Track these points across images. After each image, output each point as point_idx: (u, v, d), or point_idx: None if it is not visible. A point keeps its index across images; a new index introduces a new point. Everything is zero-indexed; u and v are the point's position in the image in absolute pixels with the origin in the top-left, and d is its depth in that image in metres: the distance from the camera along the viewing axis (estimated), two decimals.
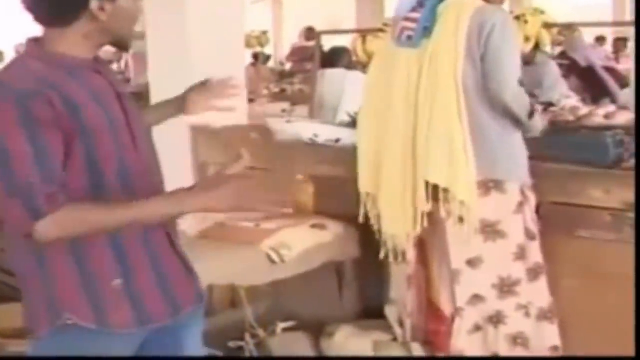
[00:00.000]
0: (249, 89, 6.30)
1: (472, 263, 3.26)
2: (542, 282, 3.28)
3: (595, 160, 3.32)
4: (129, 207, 1.92)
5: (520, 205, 3.22)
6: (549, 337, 3.31)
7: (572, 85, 5.50)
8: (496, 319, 3.29)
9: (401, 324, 3.57)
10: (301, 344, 3.74)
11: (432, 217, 3.24)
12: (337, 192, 3.85)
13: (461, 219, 3.16)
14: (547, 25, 5.37)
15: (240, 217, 3.64)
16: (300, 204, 3.99)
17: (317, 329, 3.78)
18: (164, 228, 2.09)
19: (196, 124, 4.25)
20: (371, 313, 3.83)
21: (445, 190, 3.15)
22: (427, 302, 3.48)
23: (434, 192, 3.18)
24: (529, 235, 3.24)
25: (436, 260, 3.41)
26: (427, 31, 3.22)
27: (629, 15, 13.19)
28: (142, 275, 2.05)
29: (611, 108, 4.32)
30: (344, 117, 4.75)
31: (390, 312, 3.62)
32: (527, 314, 3.28)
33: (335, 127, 4.40)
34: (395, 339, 3.61)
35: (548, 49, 5.94)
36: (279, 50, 18.65)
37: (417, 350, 3.51)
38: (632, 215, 3.14)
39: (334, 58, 6.52)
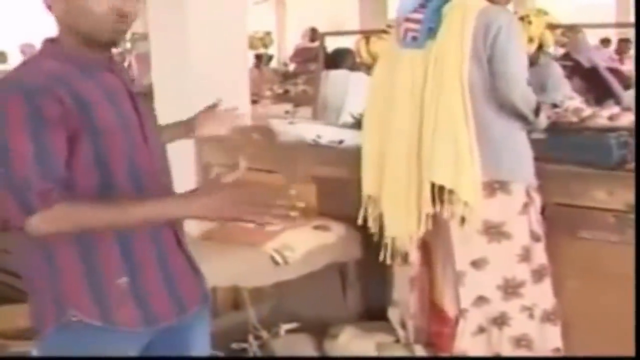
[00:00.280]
0: (252, 90, 6.29)
1: (476, 264, 3.25)
2: (547, 284, 3.28)
3: (599, 162, 3.31)
4: (123, 208, 1.92)
5: (526, 207, 3.21)
6: (551, 338, 3.31)
7: (575, 86, 5.49)
8: (500, 321, 3.28)
9: (404, 325, 3.57)
10: (304, 346, 3.74)
11: (436, 219, 3.24)
12: (340, 193, 3.85)
13: (464, 220, 3.15)
14: (551, 26, 5.36)
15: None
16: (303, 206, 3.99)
17: (321, 331, 3.78)
18: (172, 227, 2.09)
19: None
20: (374, 314, 3.83)
21: (451, 192, 3.14)
22: (430, 304, 3.47)
23: (439, 193, 3.18)
24: (534, 237, 3.24)
25: (440, 262, 3.40)
26: (431, 32, 3.22)
27: (633, 16, 13.18)
28: (149, 274, 2.05)
29: (615, 109, 4.31)
30: (347, 118, 4.75)
31: (393, 313, 3.61)
32: (531, 316, 3.27)
33: (339, 128, 4.40)
34: (398, 341, 3.60)
35: (551, 49, 5.93)
36: (282, 51, 18.65)
37: (420, 352, 3.51)
38: (634, 216, 3.14)
39: (338, 59, 6.52)
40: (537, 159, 3.29)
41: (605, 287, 3.21)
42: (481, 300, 3.29)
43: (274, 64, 14.59)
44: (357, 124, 4.27)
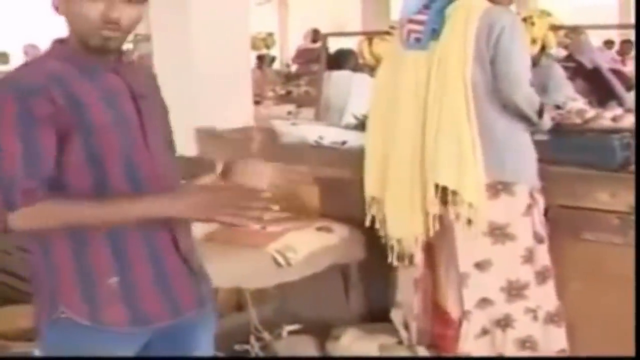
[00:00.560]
0: (254, 91, 6.29)
1: (480, 266, 3.25)
2: (550, 286, 3.27)
3: (602, 163, 3.31)
4: (105, 206, 1.94)
5: (529, 208, 3.21)
6: (555, 340, 3.31)
7: (578, 87, 5.48)
8: (504, 323, 3.27)
9: (407, 327, 3.56)
10: (307, 347, 3.74)
11: (440, 220, 3.23)
12: (343, 194, 3.84)
13: (469, 222, 3.15)
14: (554, 28, 5.36)
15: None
16: (305, 207, 3.99)
17: (323, 332, 3.77)
18: (168, 229, 2.07)
19: (202, 127, 4.25)
20: (377, 316, 3.82)
21: (454, 193, 3.14)
22: (434, 306, 3.47)
23: (443, 194, 3.17)
24: (537, 238, 3.23)
25: (443, 264, 3.39)
26: (435, 33, 3.21)
27: (634, 17, 13.18)
28: (140, 274, 2.04)
29: (618, 111, 4.30)
30: (350, 120, 4.74)
31: (396, 315, 3.61)
32: (535, 318, 3.27)
33: (341, 129, 4.39)
34: (400, 342, 3.60)
35: (554, 51, 5.93)
36: (285, 52, 18.65)
37: (423, 353, 3.50)
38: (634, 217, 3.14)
39: (340, 60, 6.52)
40: (540, 160, 3.29)
41: (608, 288, 3.21)
42: (485, 302, 3.28)
43: (276, 65, 14.59)
44: (360, 125, 4.26)
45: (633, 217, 3.15)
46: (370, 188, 3.44)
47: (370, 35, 6.76)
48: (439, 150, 3.15)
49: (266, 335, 3.73)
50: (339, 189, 3.88)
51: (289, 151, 4.18)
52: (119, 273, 2.01)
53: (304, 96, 9.01)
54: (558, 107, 4.30)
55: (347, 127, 4.48)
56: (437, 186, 3.17)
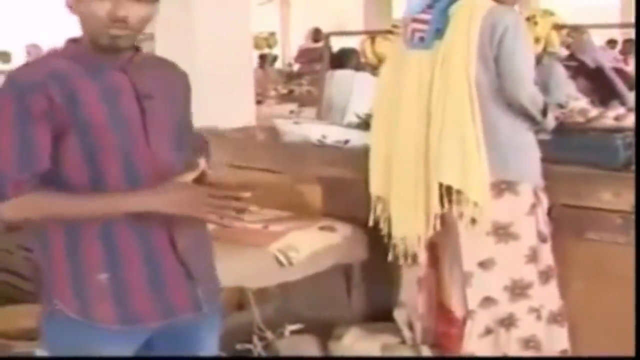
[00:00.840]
0: (257, 90, 6.29)
1: (484, 265, 3.24)
2: (553, 285, 3.27)
3: (605, 163, 3.31)
4: (85, 199, 1.99)
5: (533, 207, 3.20)
6: (558, 340, 3.30)
7: (580, 86, 5.47)
8: (508, 322, 3.27)
9: (410, 326, 3.56)
10: (309, 346, 3.73)
11: (444, 219, 3.22)
12: (345, 194, 3.84)
13: (473, 221, 3.14)
14: (557, 27, 5.35)
15: (248, 219, 3.63)
16: (308, 206, 3.99)
17: (325, 332, 3.77)
18: (165, 229, 2.07)
19: (204, 126, 4.24)
20: (379, 315, 3.81)
21: (458, 192, 3.13)
22: (438, 305, 3.46)
23: (447, 193, 3.16)
24: (541, 238, 3.23)
25: (447, 263, 3.39)
26: (439, 32, 3.21)
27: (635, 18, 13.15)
28: (132, 273, 2.05)
29: (621, 110, 4.30)
30: (352, 119, 4.74)
31: (400, 314, 3.60)
32: (539, 317, 3.26)
33: (344, 128, 4.39)
34: (403, 342, 3.59)
35: (557, 49, 5.92)
36: (287, 51, 18.65)
37: (426, 353, 3.50)
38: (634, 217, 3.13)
39: (342, 59, 6.52)
40: (543, 159, 3.28)
41: (611, 288, 3.21)
42: (488, 301, 3.28)
43: (278, 64, 14.60)
44: (362, 124, 4.27)
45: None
46: (375, 187, 3.44)
47: (372, 35, 6.76)
48: (443, 149, 3.14)
49: (268, 334, 3.72)
50: (341, 188, 3.88)
51: (292, 150, 4.19)
52: (110, 270, 2.03)
53: (306, 95, 9.01)
54: (561, 106, 4.29)
55: (350, 126, 4.48)
56: (441, 185, 3.16)
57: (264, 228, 3.65)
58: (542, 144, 3.30)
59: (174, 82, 2.22)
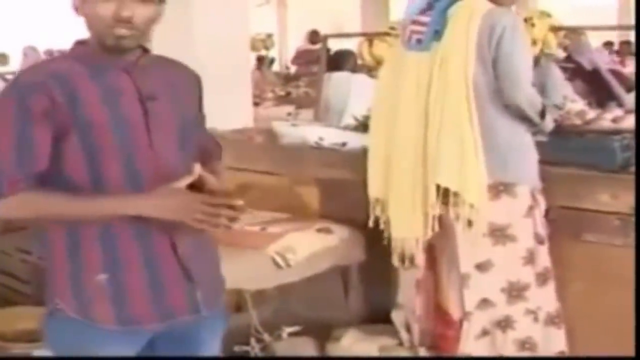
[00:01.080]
0: (254, 92, 6.28)
1: (481, 267, 3.24)
2: (550, 287, 3.27)
3: (603, 164, 3.31)
4: (79, 200, 2.00)
5: (531, 209, 3.20)
6: (555, 342, 3.30)
7: (577, 88, 5.46)
8: (504, 324, 3.27)
9: (408, 328, 3.55)
10: (307, 348, 3.73)
11: (442, 221, 3.22)
12: (343, 195, 3.84)
13: (470, 223, 3.14)
14: (554, 29, 5.35)
15: (246, 221, 3.63)
16: (305, 208, 3.99)
17: (323, 333, 3.77)
18: (166, 232, 2.07)
19: None
20: (377, 317, 3.82)
21: (456, 194, 3.13)
22: (435, 307, 3.46)
23: (444, 195, 3.16)
24: (538, 240, 3.23)
25: (445, 265, 3.39)
26: (437, 34, 3.21)
27: (634, 18, 13.16)
28: (132, 275, 2.06)
29: (618, 112, 4.30)
30: (349, 121, 4.74)
31: (397, 316, 3.60)
32: (536, 319, 3.26)
33: (341, 130, 4.39)
34: (401, 344, 3.59)
35: (554, 51, 5.92)
36: (284, 53, 18.64)
37: (423, 355, 3.50)
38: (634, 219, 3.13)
39: (340, 61, 6.51)
40: (540, 161, 3.28)
41: (609, 289, 3.21)
42: (485, 303, 3.28)
43: (275, 66, 14.58)
44: (360, 126, 4.27)
45: (634, 219, 3.14)
46: (374, 189, 3.43)
47: (370, 37, 6.75)
48: (441, 151, 3.14)
49: (266, 336, 3.72)
50: (339, 190, 3.88)
51: (289, 152, 4.19)
52: (110, 272, 2.04)
53: (304, 97, 9.00)
54: (557, 107, 4.30)
55: (347, 128, 4.48)
56: (438, 187, 3.16)
57: (262, 230, 3.65)
58: (539, 145, 3.31)
59: (181, 83, 2.21)
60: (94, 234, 2.03)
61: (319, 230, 3.71)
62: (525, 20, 5.01)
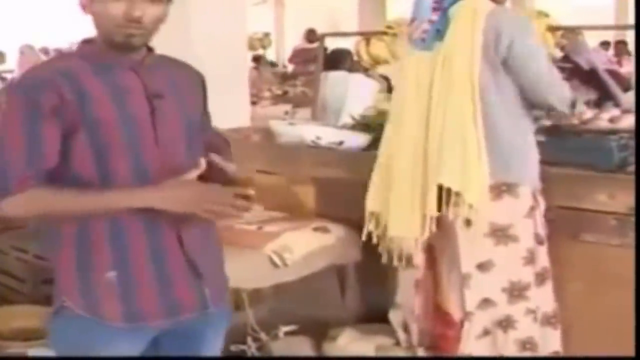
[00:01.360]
0: (251, 91, 6.28)
1: (482, 267, 3.23)
2: (548, 287, 3.26)
3: (600, 164, 3.31)
4: (89, 195, 2.01)
5: (532, 210, 3.19)
6: (551, 342, 3.30)
7: (574, 88, 5.46)
8: (506, 323, 3.26)
9: (406, 328, 3.55)
10: (303, 348, 3.73)
11: (442, 222, 3.21)
12: (339, 194, 3.84)
13: (468, 222, 3.13)
14: (551, 28, 5.35)
15: (242, 220, 3.63)
16: (301, 207, 3.98)
17: (319, 333, 3.77)
18: (174, 229, 2.08)
19: None
20: (373, 317, 3.81)
21: (457, 194, 3.11)
22: (434, 307, 3.45)
23: (446, 195, 3.13)
24: (538, 240, 3.22)
25: (445, 265, 3.37)
26: (439, 34, 3.19)
27: (632, 17, 13.16)
28: (140, 271, 2.07)
29: (615, 112, 4.30)
30: (346, 120, 4.74)
31: (395, 316, 3.59)
32: (536, 319, 3.26)
33: (338, 129, 4.39)
34: (397, 344, 3.59)
35: (552, 51, 5.92)
36: (281, 52, 18.64)
37: (421, 355, 3.49)
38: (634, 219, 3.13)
39: (337, 60, 6.51)
40: (539, 161, 3.28)
41: (606, 289, 3.21)
42: (486, 302, 3.26)
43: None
44: (357, 126, 4.27)
45: (631, 219, 3.14)
46: (371, 202, 3.39)
47: (367, 36, 6.75)
48: (444, 150, 3.13)
49: (263, 335, 3.72)
50: (335, 189, 3.88)
51: (286, 151, 4.18)
52: (118, 268, 2.04)
53: (301, 96, 9.00)
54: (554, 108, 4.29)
55: (344, 127, 4.48)
56: (440, 187, 3.14)
57: (258, 229, 3.64)
58: (537, 145, 3.30)
59: (186, 82, 2.24)
60: (102, 231, 2.04)
61: (316, 229, 3.71)
62: None
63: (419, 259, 3.36)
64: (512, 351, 3.26)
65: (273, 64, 13.99)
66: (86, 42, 2.13)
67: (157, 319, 2.10)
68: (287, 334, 3.77)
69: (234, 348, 3.68)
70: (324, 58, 6.57)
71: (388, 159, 3.36)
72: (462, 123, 3.11)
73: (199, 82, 2.29)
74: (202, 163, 2.06)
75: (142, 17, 2.00)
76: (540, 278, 3.24)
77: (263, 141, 4.43)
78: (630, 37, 11.58)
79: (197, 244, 2.13)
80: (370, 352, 3.60)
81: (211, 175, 2.09)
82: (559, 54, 6.42)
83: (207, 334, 2.23)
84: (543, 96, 3.18)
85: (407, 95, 3.28)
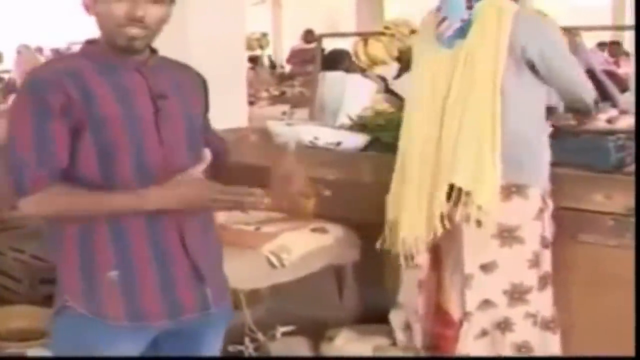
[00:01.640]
0: (249, 91, 6.28)
1: (485, 268, 3.21)
2: (549, 292, 3.25)
3: (597, 165, 3.31)
4: (102, 196, 2.01)
5: (541, 212, 3.17)
6: (550, 347, 3.28)
7: None
8: (504, 325, 3.25)
9: (407, 328, 3.53)
10: (301, 348, 3.73)
11: (451, 222, 3.17)
12: (338, 195, 3.83)
13: (479, 223, 3.10)
14: None
15: (240, 220, 3.63)
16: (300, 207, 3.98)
17: (317, 333, 3.77)
18: (177, 229, 2.09)
19: None
20: (371, 317, 3.82)
21: (467, 194, 3.09)
22: (435, 307, 3.44)
23: (457, 195, 3.12)
24: (544, 243, 3.20)
25: (449, 265, 3.35)
26: (462, 32, 3.15)
27: (628, 18, 13.17)
28: (142, 272, 2.07)
29: (613, 112, 4.30)
30: (344, 120, 4.74)
31: (396, 316, 3.58)
32: (535, 323, 3.25)
33: (336, 130, 4.39)
34: (394, 344, 3.59)
35: None
36: (278, 52, 18.63)
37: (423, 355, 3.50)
38: (633, 220, 3.13)
39: (335, 60, 6.50)
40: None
41: (604, 290, 3.22)
42: (487, 304, 3.25)
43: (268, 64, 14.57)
44: (355, 126, 4.27)
45: (628, 219, 3.15)
46: (389, 210, 3.39)
47: (365, 36, 6.74)
48: (459, 149, 3.10)
49: (260, 336, 3.71)
50: (333, 190, 3.87)
51: (284, 151, 4.17)
52: (120, 268, 2.05)
53: (298, 96, 9.00)
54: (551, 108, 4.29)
55: (342, 127, 4.48)
56: (451, 187, 3.12)
57: (256, 229, 3.64)
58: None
59: (189, 83, 2.25)
60: (105, 232, 2.04)
61: (314, 230, 3.70)
62: None
63: (423, 259, 3.35)
64: (507, 354, 3.25)
65: (271, 64, 13.98)
66: (90, 42, 2.14)
67: (159, 319, 2.11)
68: (284, 334, 3.77)
69: (231, 348, 3.68)
70: (322, 58, 6.57)
71: (401, 161, 3.35)
72: (480, 122, 3.08)
73: (200, 84, 2.30)
74: (207, 155, 2.07)
75: (144, 17, 2.01)
76: (543, 282, 3.22)
77: (261, 141, 4.43)
78: (627, 37, 11.59)
79: (199, 244, 2.14)
80: (368, 353, 3.60)
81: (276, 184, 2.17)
82: None
83: (207, 335, 2.24)
84: (580, 96, 3.21)
85: (422, 94, 3.26)
